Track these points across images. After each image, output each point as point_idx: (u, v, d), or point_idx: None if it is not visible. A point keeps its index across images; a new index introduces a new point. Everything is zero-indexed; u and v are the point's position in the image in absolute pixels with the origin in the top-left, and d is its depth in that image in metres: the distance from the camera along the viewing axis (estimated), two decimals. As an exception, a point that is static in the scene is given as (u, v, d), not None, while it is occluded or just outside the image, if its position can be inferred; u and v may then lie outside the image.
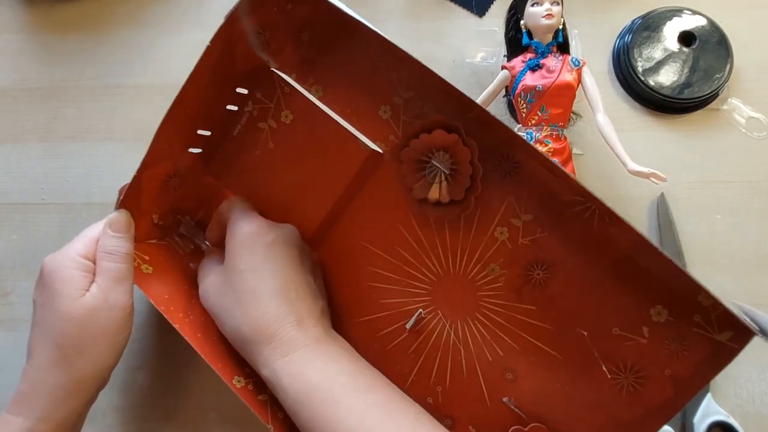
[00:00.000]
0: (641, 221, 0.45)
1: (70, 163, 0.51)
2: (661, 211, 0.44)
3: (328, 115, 0.40)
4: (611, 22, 0.49)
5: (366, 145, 0.39)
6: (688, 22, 0.46)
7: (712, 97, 0.46)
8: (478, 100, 0.43)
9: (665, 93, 0.45)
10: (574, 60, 0.41)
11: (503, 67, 0.43)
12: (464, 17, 0.51)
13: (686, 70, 0.45)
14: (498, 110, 0.46)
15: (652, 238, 0.44)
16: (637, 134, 0.46)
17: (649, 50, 0.46)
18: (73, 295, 0.35)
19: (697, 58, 0.45)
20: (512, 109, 0.44)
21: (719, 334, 0.33)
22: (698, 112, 0.46)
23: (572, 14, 0.47)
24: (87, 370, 0.35)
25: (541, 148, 0.41)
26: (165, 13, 0.54)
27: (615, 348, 0.36)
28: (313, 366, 0.34)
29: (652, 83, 0.45)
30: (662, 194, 0.44)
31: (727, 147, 0.46)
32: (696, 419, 0.40)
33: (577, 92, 0.41)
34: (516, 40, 0.43)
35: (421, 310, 0.40)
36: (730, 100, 0.46)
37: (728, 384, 0.42)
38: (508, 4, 0.44)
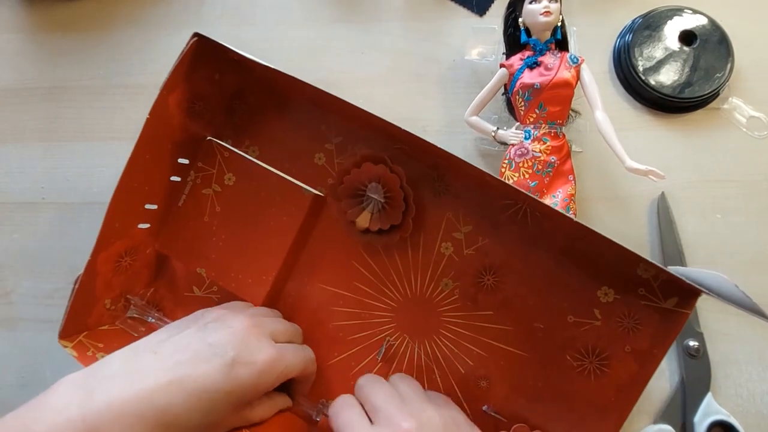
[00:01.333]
0: (642, 220, 0.44)
1: (70, 162, 0.52)
2: (662, 210, 0.44)
3: (269, 169, 0.42)
4: (612, 21, 0.48)
5: (308, 189, 0.42)
6: (689, 21, 0.46)
7: (713, 96, 0.45)
8: (476, 99, 0.43)
9: (666, 92, 0.45)
10: (572, 57, 0.41)
11: (501, 65, 0.43)
12: (464, 17, 0.50)
13: (687, 70, 0.45)
14: (497, 108, 0.46)
15: (653, 237, 0.44)
16: (638, 133, 0.46)
17: (649, 49, 0.46)
18: None
19: (697, 58, 0.45)
20: (511, 107, 0.44)
21: (665, 302, 0.36)
22: (699, 111, 0.46)
23: (573, 13, 0.46)
24: None
25: (539, 146, 0.41)
26: (165, 13, 0.54)
27: (574, 335, 0.38)
28: None
29: (652, 82, 0.45)
30: (663, 193, 0.44)
31: (728, 146, 0.45)
32: (696, 419, 0.40)
33: (576, 89, 0.41)
34: (514, 38, 0.43)
35: (388, 338, 0.41)
36: (730, 99, 0.46)
37: (728, 384, 0.41)
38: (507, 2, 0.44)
